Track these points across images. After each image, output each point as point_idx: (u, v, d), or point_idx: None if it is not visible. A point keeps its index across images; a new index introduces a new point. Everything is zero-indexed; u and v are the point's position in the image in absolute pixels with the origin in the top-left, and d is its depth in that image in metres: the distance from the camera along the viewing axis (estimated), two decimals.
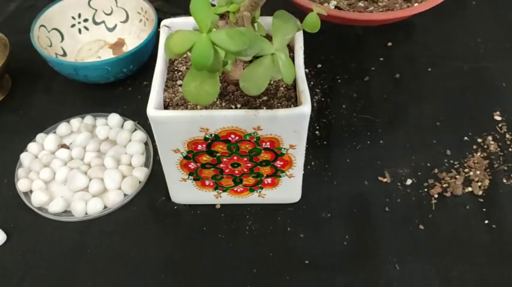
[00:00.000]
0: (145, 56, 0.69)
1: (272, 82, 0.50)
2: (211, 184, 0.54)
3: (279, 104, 0.48)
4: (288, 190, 0.55)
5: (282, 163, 0.51)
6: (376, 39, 0.75)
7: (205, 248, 0.54)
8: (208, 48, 0.37)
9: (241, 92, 0.48)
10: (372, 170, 0.60)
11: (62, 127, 0.64)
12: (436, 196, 0.57)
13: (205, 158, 0.50)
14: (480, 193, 0.57)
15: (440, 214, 0.56)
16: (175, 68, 0.52)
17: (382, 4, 0.67)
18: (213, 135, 0.47)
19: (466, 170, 0.59)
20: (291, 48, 0.52)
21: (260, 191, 0.55)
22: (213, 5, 0.42)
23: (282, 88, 0.49)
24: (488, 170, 0.59)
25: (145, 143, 0.63)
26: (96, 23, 0.75)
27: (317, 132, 0.64)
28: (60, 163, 0.60)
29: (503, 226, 0.55)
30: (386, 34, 0.75)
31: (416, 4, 0.66)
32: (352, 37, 0.76)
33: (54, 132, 0.64)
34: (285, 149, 0.49)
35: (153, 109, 0.46)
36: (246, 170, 0.52)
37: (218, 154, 0.50)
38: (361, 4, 0.68)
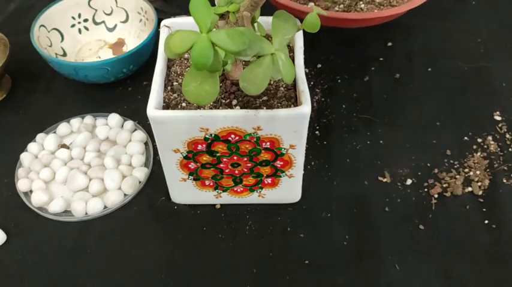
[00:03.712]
0: (145, 56, 0.69)
1: (272, 82, 0.50)
2: (211, 184, 0.54)
3: (279, 104, 0.48)
4: (288, 190, 0.55)
5: (282, 163, 0.51)
6: (376, 39, 0.75)
7: (205, 248, 0.54)
8: (208, 48, 0.37)
9: (242, 92, 0.48)
10: (372, 170, 0.60)
11: (62, 127, 0.64)
12: (436, 196, 0.57)
13: (205, 158, 0.50)
14: (480, 193, 0.57)
15: (440, 214, 0.56)
16: (175, 69, 0.52)
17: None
18: (213, 135, 0.47)
19: (466, 170, 0.59)
20: (290, 48, 0.52)
21: (260, 191, 0.55)
22: None
23: (282, 88, 0.49)
24: (488, 170, 0.59)
25: (145, 143, 0.63)
26: (96, 23, 0.75)
27: (317, 132, 0.64)
28: (60, 163, 0.60)
29: (503, 226, 0.55)
30: (387, 34, 0.75)
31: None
32: (352, 37, 0.76)
33: (54, 133, 0.64)
34: (285, 149, 0.49)
35: (153, 109, 0.46)
36: (246, 170, 0.52)
37: (218, 154, 0.50)
38: (337, 8, 0.68)
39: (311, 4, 0.69)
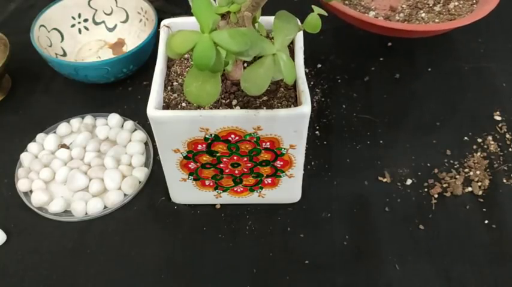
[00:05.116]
0: (145, 56, 0.69)
1: (272, 82, 0.50)
2: (211, 184, 0.54)
3: (279, 104, 0.48)
4: (288, 190, 0.55)
5: (282, 163, 0.51)
6: (376, 39, 0.75)
7: (205, 248, 0.54)
8: (210, 48, 0.37)
9: (242, 92, 0.48)
10: (372, 170, 0.60)
11: (62, 127, 0.64)
12: (436, 196, 0.57)
13: (205, 158, 0.50)
14: (480, 193, 0.57)
15: (440, 214, 0.56)
16: (175, 69, 0.52)
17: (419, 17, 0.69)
18: (213, 135, 0.47)
19: (466, 170, 0.59)
20: (290, 49, 0.52)
21: (260, 191, 0.55)
22: None
23: (282, 88, 0.49)
24: (488, 170, 0.59)
25: (146, 143, 0.63)
26: (96, 23, 0.75)
27: (317, 132, 0.64)
28: (60, 163, 0.60)
29: (503, 226, 0.55)
30: None
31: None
32: (352, 37, 0.76)
33: (54, 132, 0.64)
34: (285, 149, 0.49)
35: (153, 109, 0.46)
36: (246, 170, 0.52)
37: (218, 154, 0.50)
38: (397, 18, 0.68)
39: (372, 13, 0.69)
